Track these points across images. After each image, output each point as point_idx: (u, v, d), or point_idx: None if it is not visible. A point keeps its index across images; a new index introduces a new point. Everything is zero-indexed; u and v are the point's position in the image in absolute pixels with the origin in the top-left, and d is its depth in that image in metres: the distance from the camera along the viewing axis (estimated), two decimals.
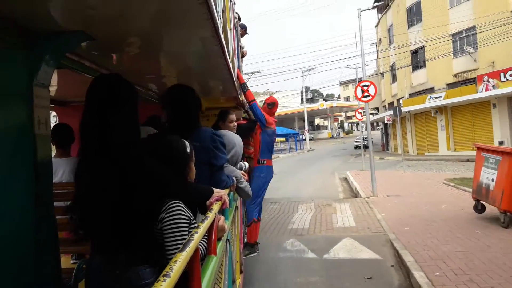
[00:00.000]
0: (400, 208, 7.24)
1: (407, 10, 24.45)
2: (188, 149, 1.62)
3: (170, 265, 0.84)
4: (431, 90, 22.23)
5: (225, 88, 3.65)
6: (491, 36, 17.77)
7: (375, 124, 40.99)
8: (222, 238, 1.73)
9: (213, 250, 1.46)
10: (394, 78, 28.04)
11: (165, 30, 1.67)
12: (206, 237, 1.46)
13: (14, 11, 1.25)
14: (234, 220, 2.85)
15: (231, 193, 2.44)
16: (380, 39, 30.67)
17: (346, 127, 76.06)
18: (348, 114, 67.27)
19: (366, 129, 11.26)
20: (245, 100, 4.64)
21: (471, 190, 7.06)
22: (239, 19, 5.41)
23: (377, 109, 34.12)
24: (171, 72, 2.72)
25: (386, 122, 25.83)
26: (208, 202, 1.64)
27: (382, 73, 30.80)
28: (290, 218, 6.98)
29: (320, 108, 48.92)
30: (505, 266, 3.79)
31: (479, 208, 5.94)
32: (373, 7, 20.24)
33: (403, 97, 25.26)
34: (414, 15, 23.85)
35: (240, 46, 5.61)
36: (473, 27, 19.44)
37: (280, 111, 6.05)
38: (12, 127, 1.30)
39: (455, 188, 9.05)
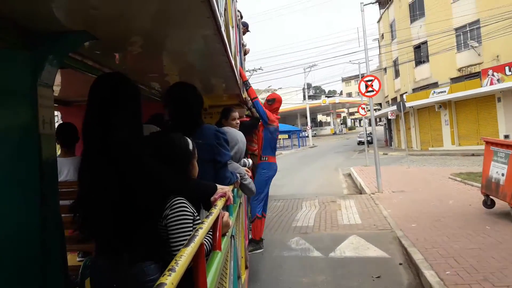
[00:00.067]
0: (406, 204, 7.16)
1: (409, 5, 24.27)
2: (190, 146, 1.62)
3: (175, 260, 0.85)
4: (435, 85, 22.09)
5: (227, 86, 3.66)
6: (495, 30, 17.60)
7: (377, 119, 40.83)
8: (227, 234, 1.74)
9: (218, 245, 1.46)
10: (397, 74, 27.90)
11: (167, 29, 1.68)
12: (211, 233, 1.47)
13: (16, 12, 1.26)
14: (239, 216, 2.87)
15: (235, 189, 2.45)
16: (383, 35, 30.49)
17: (349, 123, 75.84)
18: (351, 110, 67.02)
19: (369, 125, 11.19)
20: (248, 97, 4.65)
21: (478, 185, 6.98)
22: (241, 17, 5.40)
23: (380, 104, 33.98)
24: (174, 70, 2.72)
25: (389, 117, 25.71)
26: (212, 199, 1.65)
27: (385, 69, 30.64)
28: (294, 216, 6.93)
29: (322, 104, 48.79)
30: None
31: (489, 203, 5.85)
32: (376, 1, 20.12)
33: (406, 92, 25.12)
34: (416, 9, 23.68)
35: (242, 44, 5.61)
36: (477, 21, 19.26)
37: (282, 108, 6.02)
38: (17, 127, 1.32)
39: (461, 183, 8.89)
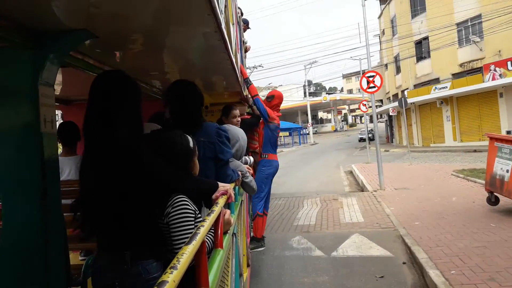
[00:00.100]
0: (409, 201, 7.10)
1: (410, 0, 24.15)
2: (191, 144, 1.62)
3: (177, 257, 0.85)
4: (436, 80, 22.02)
5: (228, 83, 3.65)
6: (497, 25, 17.50)
7: (379, 116, 40.75)
8: (229, 231, 1.74)
9: (220, 243, 1.47)
10: (398, 70, 27.80)
11: (168, 27, 1.67)
12: (213, 231, 1.48)
13: (17, 11, 1.26)
14: (240, 214, 2.87)
15: (237, 187, 2.45)
16: (383, 30, 30.36)
17: (350, 120, 75.72)
18: (352, 107, 66.96)
19: (371, 121, 11.14)
20: (249, 95, 4.64)
21: (481, 181, 6.88)
22: (242, 14, 5.38)
23: (381, 101, 33.91)
24: (175, 68, 2.72)
25: (390, 114, 25.64)
26: (213, 196, 1.65)
27: (386, 65, 30.54)
28: (295, 214, 6.88)
29: (323, 101, 48.71)
30: None
31: (493, 201, 5.77)
32: None
33: (407, 89, 25.05)
34: (417, 5, 23.57)
35: (243, 41, 5.59)
36: (479, 16, 19.16)
37: (283, 105, 5.99)
38: (18, 125, 1.32)
39: (464, 180, 8.83)
